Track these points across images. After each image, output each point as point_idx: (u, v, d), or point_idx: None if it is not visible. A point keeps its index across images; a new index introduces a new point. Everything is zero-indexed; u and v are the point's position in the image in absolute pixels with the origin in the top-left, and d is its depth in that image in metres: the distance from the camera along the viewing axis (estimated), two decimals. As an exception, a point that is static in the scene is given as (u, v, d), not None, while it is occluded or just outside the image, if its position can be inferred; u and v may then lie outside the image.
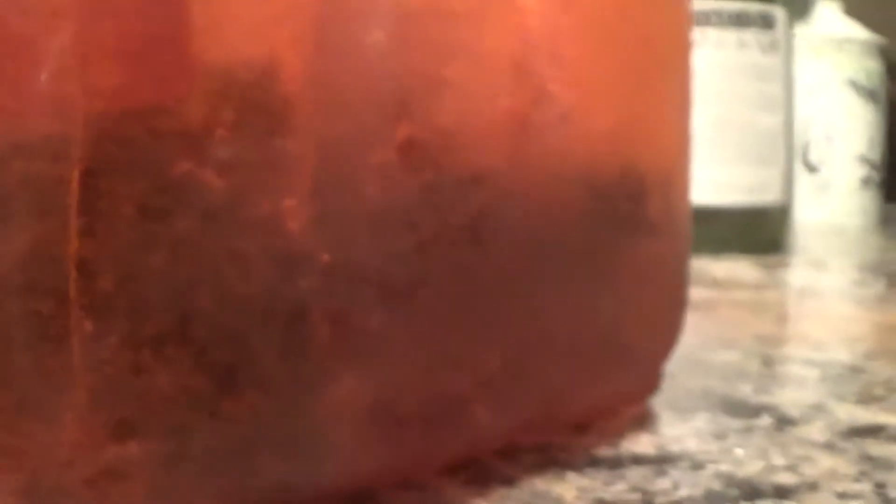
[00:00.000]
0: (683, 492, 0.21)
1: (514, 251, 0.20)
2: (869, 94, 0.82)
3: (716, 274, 0.55)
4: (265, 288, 0.15)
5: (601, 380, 0.24)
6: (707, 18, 0.60)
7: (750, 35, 0.60)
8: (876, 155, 0.83)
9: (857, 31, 0.85)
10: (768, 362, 0.34)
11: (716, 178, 0.61)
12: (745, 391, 0.30)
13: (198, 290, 0.15)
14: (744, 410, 0.28)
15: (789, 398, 0.29)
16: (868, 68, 0.82)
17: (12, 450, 0.14)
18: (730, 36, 0.60)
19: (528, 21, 0.20)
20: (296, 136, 0.15)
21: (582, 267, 0.22)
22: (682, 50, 0.25)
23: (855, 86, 0.82)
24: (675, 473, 0.23)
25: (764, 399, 0.29)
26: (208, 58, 0.15)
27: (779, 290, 0.52)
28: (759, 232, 0.63)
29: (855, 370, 0.33)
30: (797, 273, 0.58)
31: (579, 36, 0.21)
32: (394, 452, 0.19)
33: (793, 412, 0.28)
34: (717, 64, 0.60)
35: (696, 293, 0.49)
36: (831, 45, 0.82)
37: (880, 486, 0.22)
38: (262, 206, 0.15)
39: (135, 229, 0.14)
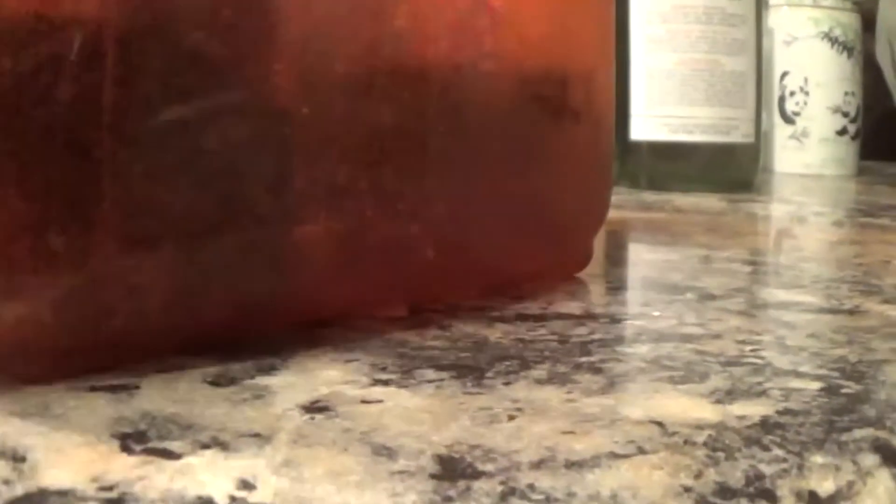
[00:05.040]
0: (596, 336, 0.24)
1: (455, 124, 0.23)
2: (844, 48, 0.84)
3: (680, 204, 0.58)
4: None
5: (533, 245, 0.27)
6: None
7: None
8: (851, 108, 0.85)
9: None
10: (705, 261, 0.37)
11: (686, 117, 0.63)
12: (677, 278, 0.32)
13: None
14: (671, 290, 0.30)
15: (717, 283, 0.32)
16: (844, 22, 0.85)
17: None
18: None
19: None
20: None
21: (512, 141, 0.25)
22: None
23: (831, 39, 0.84)
24: (593, 325, 0.25)
25: (692, 283, 0.32)
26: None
27: (737, 216, 0.54)
28: (729, 170, 0.66)
29: (788, 268, 0.36)
30: (760, 206, 0.61)
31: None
32: (356, 280, 0.22)
33: (716, 292, 0.30)
34: (689, 9, 0.62)
35: (656, 216, 0.52)
36: (808, -1, 0.84)
37: (780, 338, 0.25)
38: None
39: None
